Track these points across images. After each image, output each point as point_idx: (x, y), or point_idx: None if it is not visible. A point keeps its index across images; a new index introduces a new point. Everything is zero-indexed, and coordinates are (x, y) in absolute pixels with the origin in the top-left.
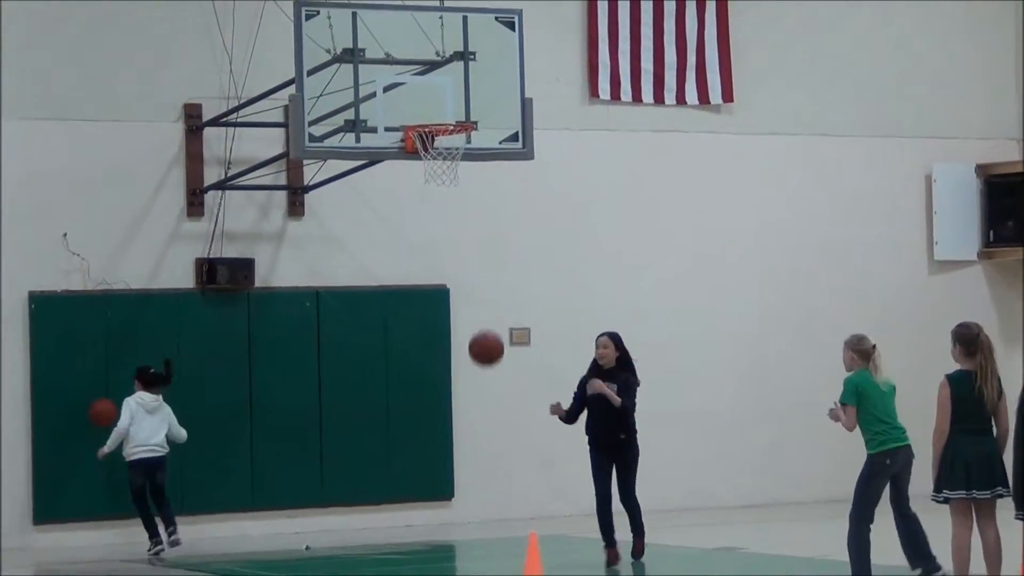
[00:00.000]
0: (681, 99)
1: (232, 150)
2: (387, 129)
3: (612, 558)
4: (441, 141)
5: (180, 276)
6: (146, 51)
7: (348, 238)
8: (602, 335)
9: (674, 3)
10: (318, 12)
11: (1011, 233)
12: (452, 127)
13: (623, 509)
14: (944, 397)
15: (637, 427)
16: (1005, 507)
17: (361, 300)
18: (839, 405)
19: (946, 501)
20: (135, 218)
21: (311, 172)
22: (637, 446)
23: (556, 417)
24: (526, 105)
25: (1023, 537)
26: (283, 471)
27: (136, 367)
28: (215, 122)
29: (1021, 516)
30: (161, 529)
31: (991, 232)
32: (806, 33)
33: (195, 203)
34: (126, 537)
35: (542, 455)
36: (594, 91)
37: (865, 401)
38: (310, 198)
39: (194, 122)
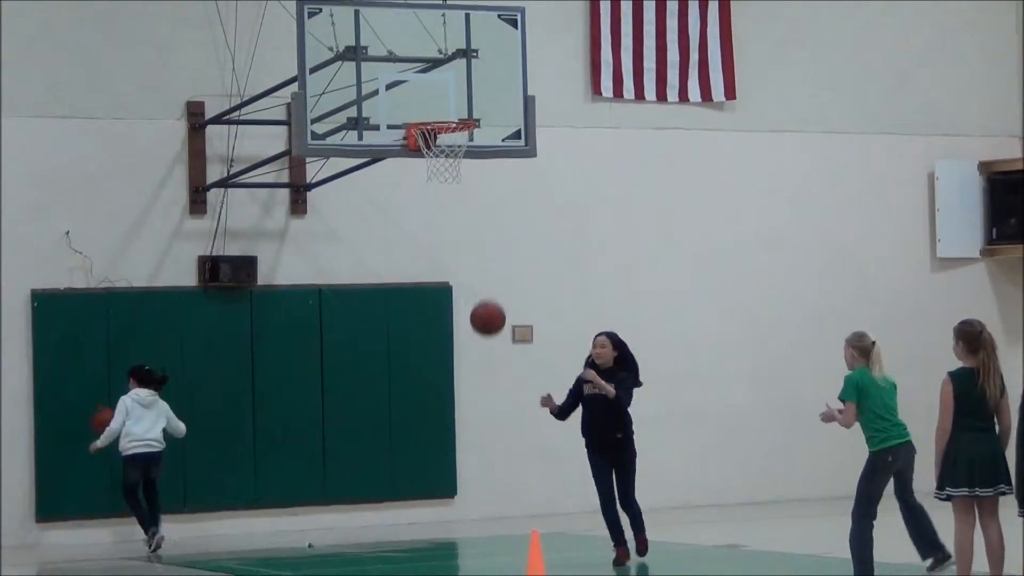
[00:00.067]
0: (684, 96)
1: (235, 148)
2: (389, 127)
3: (621, 557)
4: (443, 139)
5: (183, 274)
6: (149, 49)
7: (350, 236)
8: (600, 334)
9: (676, 1)
10: (320, 10)
11: (1013, 230)
12: (454, 125)
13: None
14: (947, 394)
15: (635, 428)
16: (1007, 505)
17: (363, 298)
18: (830, 407)
19: (948, 499)
20: (138, 216)
21: (313, 170)
22: (634, 447)
23: (547, 410)
24: (529, 103)
25: None
26: (285, 468)
27: (130, 366)
28: (218, 120)
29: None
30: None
31: (993, 229)
32: (808, 30)
33: (198, 201)
34: (128, 535)
35: (544, 452)
36: (597, 88)
37: (865, 398)
38: (312, 196)
39: (197, 120)
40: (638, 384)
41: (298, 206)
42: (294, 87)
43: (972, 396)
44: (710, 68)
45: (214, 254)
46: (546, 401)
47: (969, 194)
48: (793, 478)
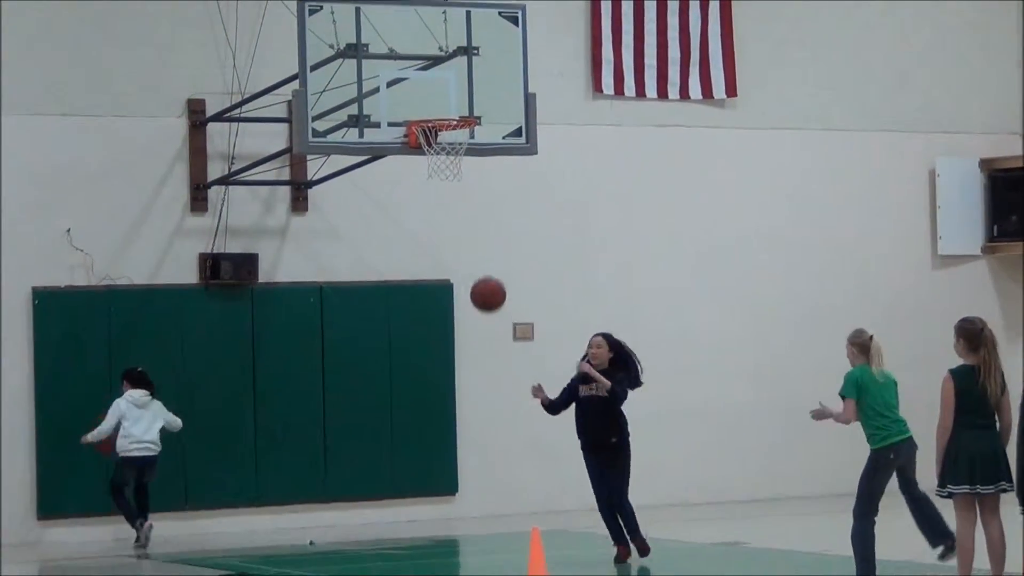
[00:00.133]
0: (685, 94)
1: (236, 145)
2: (390, 124)
3: (622, 555)
4: (444, 136)
5: (184, 271)
6: (149, 47)
7: (351, 233)
8: (596, 335)
9: None
10: (321, 7)
11: (1014, 228)
12: (455, 122)
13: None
14: (948, 392)
15: (636, 426)
16: (1009, 502)
17: (364, 295)
18: (823, 404)
19: (950, 496)
20: (139, 213)
21: (314, 167)
22: (629, 450)
23: (538, 401)
24: (529, 100)
25: None
26: (287, 466)
27: (123, 369)
28: (219, 117)
29: None
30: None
31: (994, 227)
32: (809, 27)
33: (199, 198)
34: (129, 532)
35: (545, 450)
36: (597, 86)
37: (865, 395)
38: (313, 193)
39: (198, 117)
40: (637, 385)
41: (299, 203)
42: (295, 84)
43: (973, 394)
44: (711, 65)
45: (215, 252)
46: (537, 391)
47: (970, 191)
48: (793, 476)
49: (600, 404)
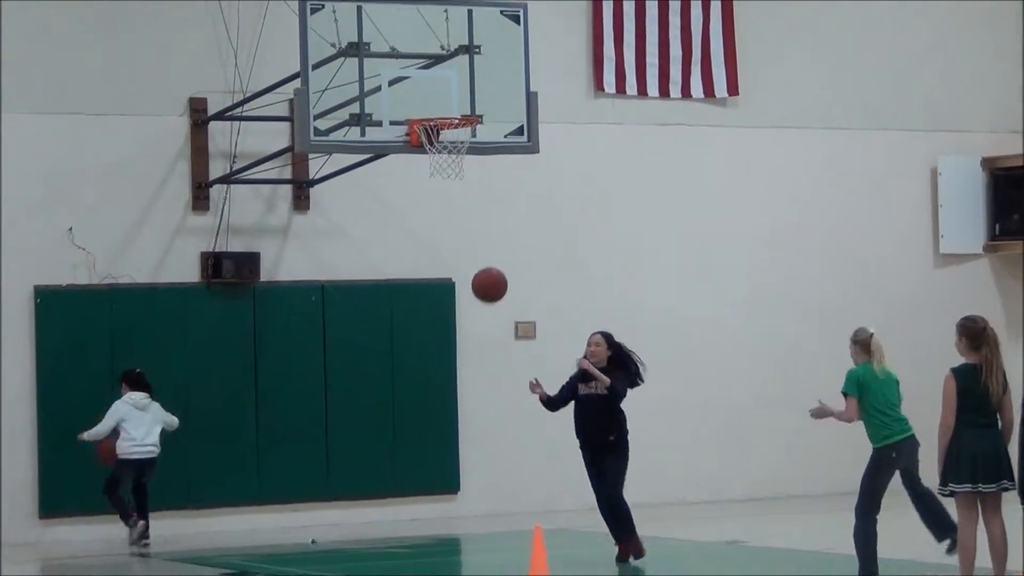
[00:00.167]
0: (686, 92)
1: (237, 144)
2: (392, 123)
3: (623, 554)
4: (446, 135)
5: (185, 270)
6: (151, 45)
7: (353, 232)
8: (595, 333)
9: None
10: (323, 6)
11: (1016, 226)
12: (457, 121)
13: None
14: (950, 391)
15: (638, 423)
16: (1010, 500)
17: (366, 294)
18: (823, 403)
19: (952, 495)
20: (141, 212)
21: (316, 166)
22: (627, 449)
23: (537, 397)
24: (531, 99)
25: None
26: (289, 465)
27: (122, 371)
28: (220, 116)
29: None
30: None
31: (996, 225)
32: (811, 26)
33: (200, 197)
34: (124, 533)
35: (547, 449)
36: (599, 85)
37: (866, 393)
38: (315, 192)
39: (199, 116)
40: (635, 383)
41: (301, 202)
42: (297, 83)
43: (975, 392)
44: (713, 64)
45: (217, 250)
46: (535, 387)
47: (972, 190)
48: (795, 474)
49: (599, 402)
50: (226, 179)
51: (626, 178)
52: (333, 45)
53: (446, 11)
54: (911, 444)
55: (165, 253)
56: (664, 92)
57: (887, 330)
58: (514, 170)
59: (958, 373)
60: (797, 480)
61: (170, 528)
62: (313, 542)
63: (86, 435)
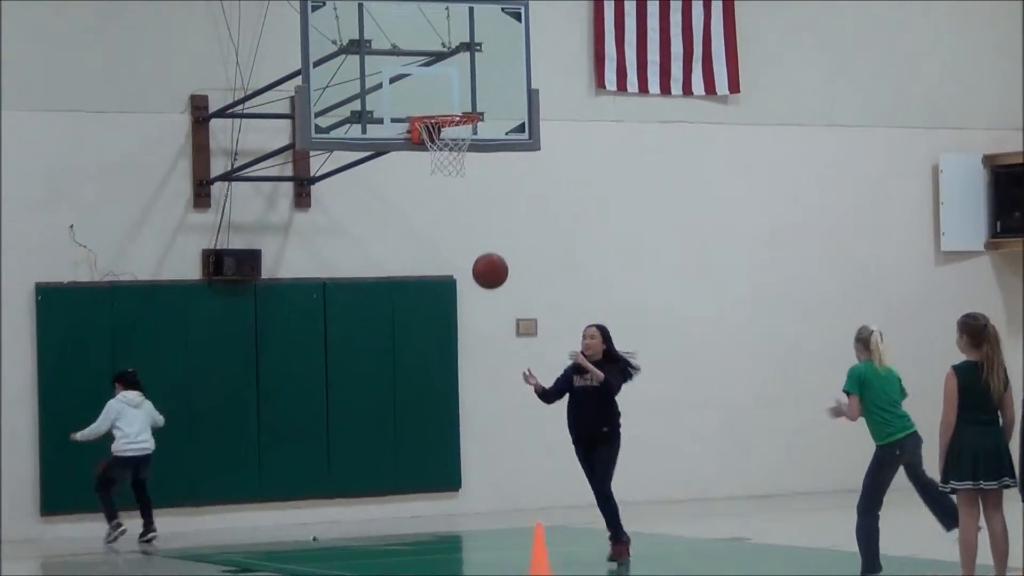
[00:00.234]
0: (688, 90)
1: (239, 141)
2: (393, 120)
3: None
4: (447, 132)
5: (187, 267)
6: (153, 42)
7: (354, 229)
8: (590, 326)
9: None
10: (324, 3)
11: (1018, 223)
12: (458, 118)
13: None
14: (951, 388)
15: (641, 421)
16: (1012, 498)
17: (368, 291)
18: (839, 401)
19: (953, 492)
20: (142, 209)
21: (317, 163)
22: (619, 441)
23: (531, 388)
24: (532, 96)
25: None
26: (290, 462)
27: (114, 373)
28: (222, 113)
29: None
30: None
31: (998, 223)
32: (812, 23)
33: (202, 194)
34: (132, 529)
35: (548, 446)
36: (600, 82)
37: (868, 390)
38: (316, 189)
39: (201, 113)
40: (629, 376)
41: (302, 200)
42: (298, 80)
43: (976, 389)
44: (714, 61)
45: (218, 248)
46: (528, 377)
47: (973, 187)
48: (798, 472)
49: (594, 395)
50: (227, 176)
51: (627, 175)
52: (334, 42)
53: (447, 8)
54: (914, 440)
55: (166, 250)
56: (665, 89)
57: (888, 328)
58: (515, 167)
59: (959, 370)
60: (797, 479)
61: (171, 525)
62: (314, 539)
63: (79, 435)
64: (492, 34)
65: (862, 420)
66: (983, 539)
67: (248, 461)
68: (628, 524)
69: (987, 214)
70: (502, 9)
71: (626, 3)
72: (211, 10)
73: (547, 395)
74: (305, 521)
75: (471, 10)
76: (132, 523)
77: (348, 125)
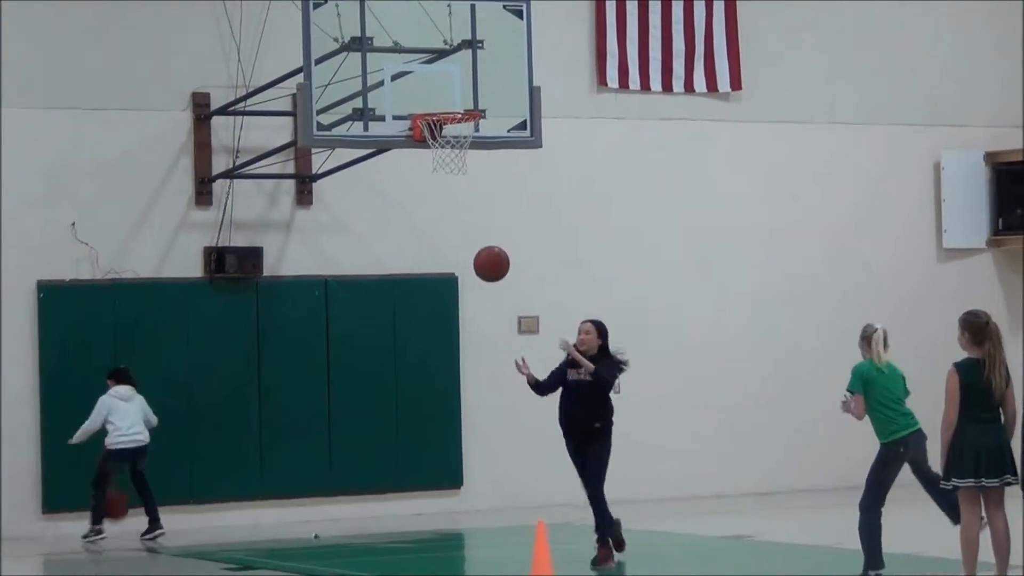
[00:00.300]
0: (689, 87)
1: (240, 139)
2: (395, 117)
3: (615, 548)
4: (449, 129)
5: (189, 265)
6: (155, 40)
7: (356, 226)
8: (585, 321)
9: None
10: (326, 0)
11: (1019, 221)
12: (460, 115)
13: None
14: (952, 386)
15: (641, 418)
16: (1013, 495)
17: (369, 288)
18: (849, 396)
19: (955, 489)
20: (144, 207)
21: (319, 160)
22: (610, 438)
23: (524, 377)
24: (534, 93)
25: None
26: (292, 459)
27: (107, 371)
28: (223, 111)
29: None
30: (138, 521)
31: (1000, 220)
32: (814, 21)
33: (203, 192)
34: (133, 526)
35: (550, 443)
36: (602, 79)
37: (871, 389)
38: (318, 187)
39: (202, 111)
40: (620, 369)
41: (304, 197)
42: (300, 78)
43: (978, 387)
44: (716, 58)
45: (220, 245)
46: (521, 367)
47: (975, 184)
48: (800, 469)
49: (587, 389)
50: (229, 174)
51: (629, 173)
52: (336, 40)
53: (449, 6)
54: (918, 438)
55: (168, 248)
56: (667, 87)
57: (890, 325)
58: (517, 165)
59: (961, 368)
60: (798, 477)
61: (173, 523)
62: (316, 537)
63: (76, 438)
64: (494, 31)
65: (867, 418)
66: (985, 537)
67: (250, 458)
68: (629, 522)
69: (989, 211)
70: (504, 6)
71: (628, 0)
72: (213, 7)
73: (540, 387)
74: (307, 519)
75: (473, 7)
76: (139, 521)
77: (350, 122)
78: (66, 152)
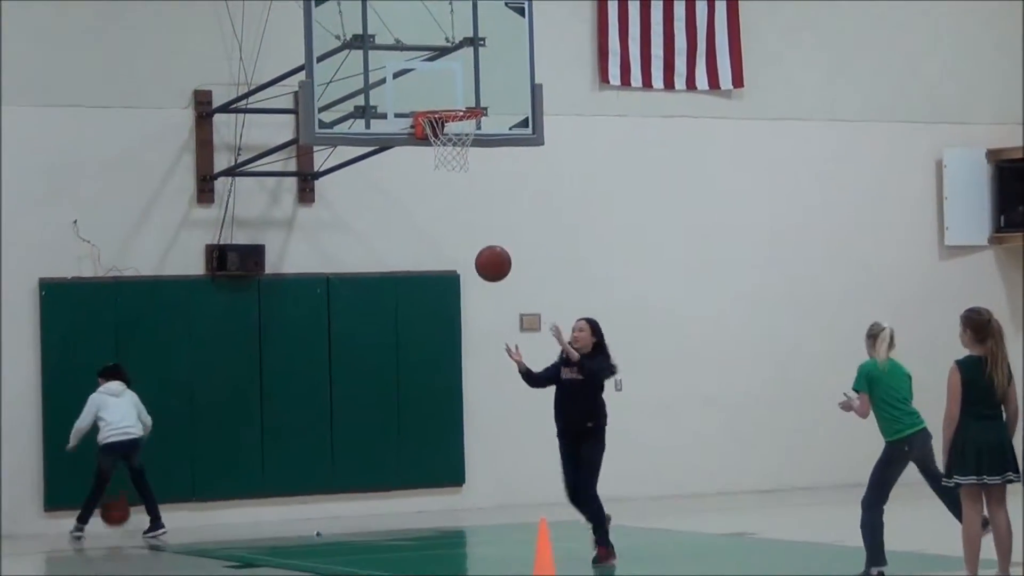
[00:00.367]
0: (691, 84)
1: (242, 136)
2: (397, 115)
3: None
4: (451, 127)
5: (190, 263)
6: (156, 38)
7: (358, 224)
8: (580, 320)
9: None
10: None
11: (1021, 218)
12: (462, 113)
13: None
14: (954, 383)
15: (640, 416)
16: (1015, 493)
17: (371, 286)
18: (848, 396)
19: (957, 486)
20: (145, 205)
21: (321, 158)
22: (603, 439)
23: (515, 364)
24: (536, 91)
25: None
26: (293, 457)
27: (97, 369)
28: (225, 108)
29: None
30: (143, 520)
31: (1001, 217)
32: (816, 18)
33: (205, 190)
34: (135, 523)
35: (552, 441)
36: (604, 77)
37: (876, 387)
38: (320, 184)
39: (204, 108)
40: (612, 371)
41: (306, 194)
42: (301, 75)
43: (980, 384)
44: (718, 56)
45: (222, 243)
46: (512, 352)
47: (977, 182)
48: (803, 467)
49: (580, 388)
50: (231, 172)
51: (631, 170)
52: (338, 37)
53: (451, 3)
54: (923, 437)
55: (170, 246)
56: (669, 84)
57: (892, 322)
58: (518, 162)
59: (963, 365)
60: (798, 476)
61: (174, 521)
62: (318, 535)
63: (71, 443)
64: (496, 29)
65: (871, 416)
66: (987, 536)
67: (251, 456)
68: (631, 520)
69: (991, 209)
70: (506, 4)
71: None
72: (215, 5)
73: (531, 377)
74: (308, 516)
75: (475, 5)
76: (140, 519)
77: (352, 120)
78: (68, 150)
